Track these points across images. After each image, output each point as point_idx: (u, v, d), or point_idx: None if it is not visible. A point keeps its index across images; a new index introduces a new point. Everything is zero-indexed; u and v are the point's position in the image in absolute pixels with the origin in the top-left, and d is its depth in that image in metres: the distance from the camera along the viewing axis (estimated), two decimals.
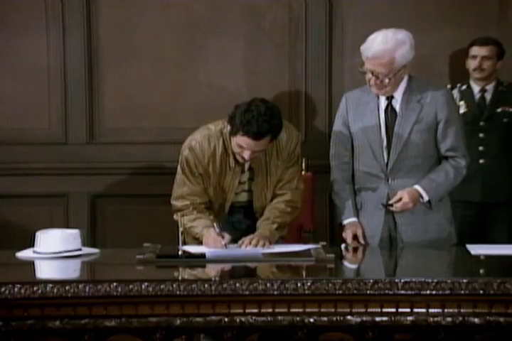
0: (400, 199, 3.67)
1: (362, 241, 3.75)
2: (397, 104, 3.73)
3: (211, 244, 3.54)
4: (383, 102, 3.74)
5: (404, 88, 3.72)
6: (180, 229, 3.51)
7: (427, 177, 3.71)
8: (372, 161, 3.75)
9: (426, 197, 3.70)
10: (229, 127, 3.59)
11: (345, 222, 3.80)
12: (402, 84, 3.71)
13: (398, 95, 3.72)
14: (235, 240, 3.62)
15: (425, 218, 3.74)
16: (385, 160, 3.73)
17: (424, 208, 3.73)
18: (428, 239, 3.73)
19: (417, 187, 3.69)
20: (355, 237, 3.76)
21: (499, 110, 4.53)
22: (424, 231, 3.74)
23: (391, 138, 3.72)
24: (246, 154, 3.57)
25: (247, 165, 3.73)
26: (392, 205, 3.68)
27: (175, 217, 3.73)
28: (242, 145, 3.54)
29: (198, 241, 3.66)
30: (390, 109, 3.74)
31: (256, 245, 3.52)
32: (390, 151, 3.72)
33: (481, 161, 4.50)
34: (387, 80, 3.63)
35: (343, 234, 3.79)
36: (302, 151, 3.84)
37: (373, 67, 3.61)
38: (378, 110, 3.74)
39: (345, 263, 3.52)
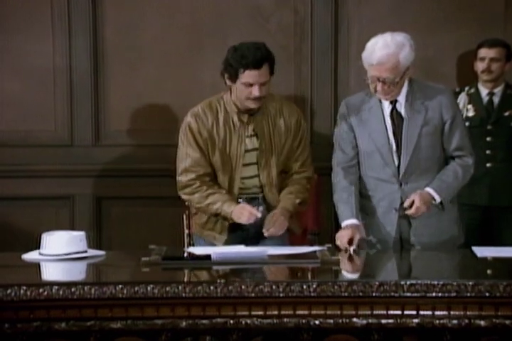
0: (413, 203, 3.64)
1: (352, 248, 3.51)
2: (401, 108, 3.71)
3: (246, 216, 3.63)
4: (387, 106, 3.72)
5: (406, 91, 3.70)
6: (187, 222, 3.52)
7: (437, 179, 3.70)
8: (383, 166, 3.72)
9: (438, 199, 3.68)
10: (227, 76, 3.69)
11: (344, 223, 3.65)
12: (404, 87, 3.70)
13: (401, 98, 3.70)
14: (241, 242, 3.62)
15: (439, 219, 3.73)
16: (396, 165, 3.71)
17: (437, 209, 3.72)
18: (441, 241, 3.72)
19: (429, 189, 3.67)
20: (350, 241, 3.55)
21: (507, 114, 4.52)
22: (439, 233, 3.73)
23: (400, 142, 3.70)
24: (256, 90, 3.64)
25: (250, 129, 3.77)
26: (406, 209, 3.65)
27: (184, 196, 3.75)
28: (248, 81, 3.63)
29: (215, 217, 3.76)
30: (395, 112, 3.72)
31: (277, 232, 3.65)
32: (400, 156, 3.70)
33: (488, 165, 4.49)
34: (393, 85, 3.62)
35: (337, 235, 3.60)
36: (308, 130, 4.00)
37: (379, 73, 3.57)
38: (383, 114, 3.73)
39: (351, 265, 3.51)
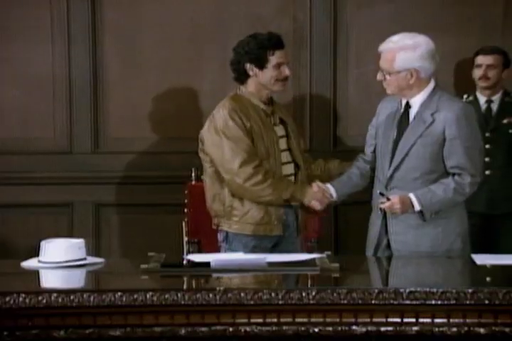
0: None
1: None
2: (412, 114, 3.72)
3: (319, 199, 3.80)
4: (402, 110, 3.75)
5: (424, 98, 3.69)
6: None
7: (426, 188, 3.65)
8: (381, 168, 3.78)
9: (417, 207, 3.64)
10: (255, 65, 3.85)
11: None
12: (423, 94, 3.69)
13: (416, 105, 3.71)
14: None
15: (418, 232, 3.68)
16: (387, 169, 3.74)
17: (419, 222, 3.68)
18: (420, 253, 3.68)
19: (411, 195, 3.64)
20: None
21: (505, 121, 4.52)
22: (415, 245, 3.69)
23: (397, 147, 3.72)
24: (286, 69, 3.87)
25: (274, 118, 3.91)
26: (384, 197, 3.66)
27: (254, 188, 3.77)
28: (280, 61, 3.85)
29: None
30: (405, 117, 3.73)
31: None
32: (392, 161, 3.72)
33: (487, 172, 4.47)
34: (387, 77, 3.66)
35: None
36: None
37: (380, 61, 3.69)
38: (395, 118, 3.75)
39: (350, 272, 3.51)
